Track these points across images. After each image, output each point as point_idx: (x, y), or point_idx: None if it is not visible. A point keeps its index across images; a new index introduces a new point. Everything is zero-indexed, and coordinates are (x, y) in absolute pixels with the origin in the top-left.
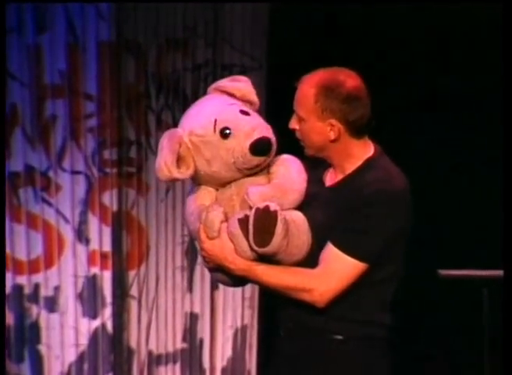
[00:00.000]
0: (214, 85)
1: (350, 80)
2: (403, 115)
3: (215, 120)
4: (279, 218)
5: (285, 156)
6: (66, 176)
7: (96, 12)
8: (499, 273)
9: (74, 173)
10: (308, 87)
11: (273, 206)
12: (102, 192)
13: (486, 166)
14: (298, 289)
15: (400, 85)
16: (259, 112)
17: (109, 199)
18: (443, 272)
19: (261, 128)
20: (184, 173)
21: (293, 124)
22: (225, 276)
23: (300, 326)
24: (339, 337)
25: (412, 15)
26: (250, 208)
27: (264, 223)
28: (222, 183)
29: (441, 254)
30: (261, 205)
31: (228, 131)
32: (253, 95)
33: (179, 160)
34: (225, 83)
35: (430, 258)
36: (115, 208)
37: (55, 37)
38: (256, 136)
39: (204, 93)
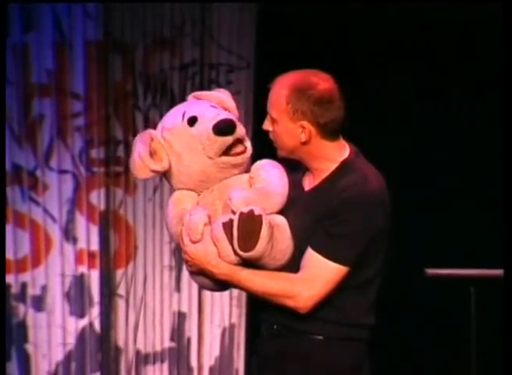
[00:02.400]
0: (192, 93)
1: (322, 82)
2: (395, 112)
3: (184, 112)
4: (264, 222)
5: (266, 161)
6: (54, 175)
7: (83, 12)
8: (486, 272)
9: (61, 172)
10: (280, 89)
11: (258, 210)
12: (90, 191)
13: (474, 165)
14: (281, 295)
15: (389, 85)
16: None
17: (97, 198)
18: (430, 271)
19: (227, 114)
20: (158, 164)
21: (267, 125)
22: (207, 279)
23: (283, 327)
24: (322, 337)
25: (403, 15)
26: (233, 212)
27: (248, 228)
28: (197, 185)
29: (428, 253)
30: (246, 209)
31: (195, 119)
32: (230, 103)
33: (153, 154)
34: (202, 92)
35: (417, 257)
36: (102, 207)
37: (43, 36)
38: (220, 118)
39: (192, 92)
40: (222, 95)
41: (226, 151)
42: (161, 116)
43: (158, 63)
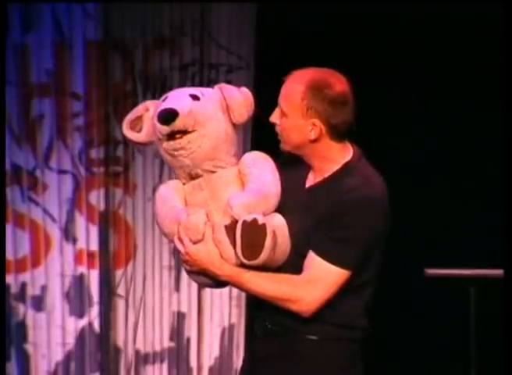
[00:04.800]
0: (219, 84)
1: (339, 83)
2: (391, 112)
3: (167, 97)
4: (268, 231)
5: (255, 154)
6: (53, 176)
7: (83, 12)
8: (486, 272)
9: (61, 172)
10: (297, 84)
11: (261, 219)
12: (89, 191)
13: (474, 165)
14: (285, 299)
15: (389, 85)
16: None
17: (96, 198)
18: (430, 271)
19: (183, 104)
20: (134, 134)
21: (275, 118)
22: (207, 278)
23: (277, 326)
24: (317, 337)
25: (403, 14)
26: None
27: (253, 237)
28: (170, 165)
29: (428, 253)
30: (249, 218)
31: (163, 101)
32: (235, 104)
33: (136, 124)
34: (226, 85)
35: (417, 257)
36: (102, 207)
37: (43, 36)
38: (165, 106)
39: None
40: (238, 97)
41: (169, 139)
42: None
43: (158, 63)
